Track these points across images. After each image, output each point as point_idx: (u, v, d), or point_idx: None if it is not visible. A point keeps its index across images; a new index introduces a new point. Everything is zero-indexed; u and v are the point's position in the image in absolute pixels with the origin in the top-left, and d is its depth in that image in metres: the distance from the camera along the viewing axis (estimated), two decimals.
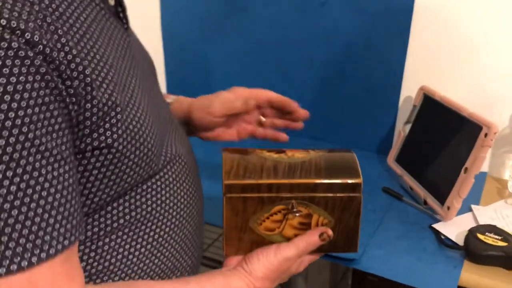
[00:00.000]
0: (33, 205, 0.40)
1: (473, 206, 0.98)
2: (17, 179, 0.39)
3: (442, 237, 0.89)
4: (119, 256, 0.55)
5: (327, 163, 0.63)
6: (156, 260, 0.58)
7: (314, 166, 0.62)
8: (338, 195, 0.61)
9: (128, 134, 0.50)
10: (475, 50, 1.07)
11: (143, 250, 0.56)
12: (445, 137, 0.99)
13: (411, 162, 1.08)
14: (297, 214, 0.61)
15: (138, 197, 0.56)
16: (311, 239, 0.63)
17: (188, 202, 0.62)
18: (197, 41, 1.40)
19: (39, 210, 0.40)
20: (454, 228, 0.91)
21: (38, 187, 0.40)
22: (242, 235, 0.63)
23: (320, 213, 0.62)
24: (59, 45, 0.42)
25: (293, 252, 0.62)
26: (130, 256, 0.55)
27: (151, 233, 0.57)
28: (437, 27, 1.09)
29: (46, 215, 0.41)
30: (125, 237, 0.55)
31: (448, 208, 0.91)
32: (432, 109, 1.05)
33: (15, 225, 0.39)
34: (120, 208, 0.54)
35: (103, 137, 0.48)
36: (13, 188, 0.39)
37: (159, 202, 0.58)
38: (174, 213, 0.60)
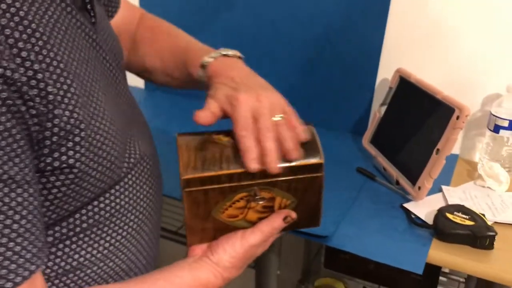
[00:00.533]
0: None
1: (443, 187, 1.00)
2: None
3: (413, 216, 0.91)
4: (81, 259, 0.55)
5: None
6: (111, 264, 0.58)
7: None
8: (300, 176, 0.59)
9: (91, 151, 0.49)
10: (452, 34, 1.09)
11: (99, 255, 0.56)
12: (419, 119, 1.01)
13: (385, 143, 1.10)
14: (260, 202, 0.60)
15: (96, 206, 0.55)
16: (275, 223, 0.62)
17: (148, 204, 0.62)
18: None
19: (4, 240, 0.40)
20: (425, 207, 0.93)
21: (1, 216, 0.40)
22: (205, 224, 0.61)
23: (283, 195, 0.61)
24: (20, 62, 0.41)
25: (258, 238, 0.61)
26: (89, 259, 0.55)
27: (108, 238, 0.57)
28: (416, 10, 1.10)
29: (11, 244, 0.41)
30: (84, 241, 0.55)
31: (419, 188, 0.93)
32: (408, 92, 1.06)
33: None
34: (79, 216, 0.53)
35: (64, 157, 0.47)
36: None
37: (118, 207, 0.57)
38: (132, 216, 0.59)
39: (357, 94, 1.23)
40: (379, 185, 1.03)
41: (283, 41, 1.27)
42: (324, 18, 1.19)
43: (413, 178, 0.96)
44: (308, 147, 0.60)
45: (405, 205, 0.94)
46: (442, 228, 0.84)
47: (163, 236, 1.14)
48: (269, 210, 0.62)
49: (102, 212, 0.56)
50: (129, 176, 0.59)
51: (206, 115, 0.57)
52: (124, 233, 0.59)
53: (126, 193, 0.58)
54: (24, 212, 0.42)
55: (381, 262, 0.80)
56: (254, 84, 0.62)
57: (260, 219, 0.62)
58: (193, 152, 0.58)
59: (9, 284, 0.40)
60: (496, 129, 1.02)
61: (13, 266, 0.40)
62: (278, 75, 1.29)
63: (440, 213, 0.86)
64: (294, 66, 1.28)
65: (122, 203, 0.58)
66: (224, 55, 0.68)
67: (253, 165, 0.55)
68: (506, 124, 1.00)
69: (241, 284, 1.56)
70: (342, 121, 1.28)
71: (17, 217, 0.41)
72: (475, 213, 0.86)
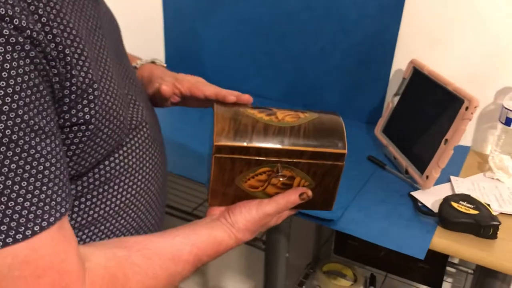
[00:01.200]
0: (32, 179, 0.44)
1: (452, 177, 1.02)
2: (16, 158, 0.43)
3: (419, 204, 0.93)
4: (95, 215, 0.59)
5: (315, 130, 0.64)
6: (122, 221, 0.62)
7: (302, 132, 0.63)
8: (322, 162, 0.63)
9: (103, 109, 0.53)
10: (466, 27, 1.10)
11: (111, 211, 0.61)
12: (430, 110, 1.03)
13: (396, 133, 1.11)
14: (281, 179, 0.64)
15: (107, 165, 0.59)
16: (291, 197, 0.66)
17: (153, 166, 0.66)
18: (193, 12, 1.42)
19: (38, 184, 0.44)
20: (431, 196, 0.95)
21: (35, 163, 0.44)
22: (227, 190, 0.65)
23: (303, 176, 0.65)
24: (41, 26, 0.45)
25: (274, 208, 0.66)
26: (102, 215, 0.60)
27: (118, 196, 0.61)
28: (431, 1, 1.11)
29: (44, 188, 0.45)
30: (98, 198, 0.59)
31: (427, 177, 0.95)
32: (420, 83, 1.08)
33: (17, 198, 0.43)
34: (92, 174, 0.58)
35: (81, 113, 0.51)
36: (13, 166, 0.42)
37: (126, 167, 0.61)
38: (140, 176, 0.63)
39: (372, 84, 1.25)
40: (389, 174, 1.05)
41: (298, 31, 1.29)
42: (339, 9, 1.21)
43: (422, 168, 0.98)
44: (335, 137, 0.63)
45: (413, 193, 0.96)
46: (446, 216, 0.86)
47: (179, 217, 1.18)
48: (287, 188, 0.66)
49: (113, 171, 0.60)
50: (135, 138, 0.62)
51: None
52: (133, 192, 0.63)
53: (134, 154, 0.62)
54: (54, 160, 0.46)
55: (384, 246, 0.83)
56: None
57: (278, 193, 0.66)
58: (228, 121, 0.62)
59: (44, 223, 0.44)
60: (508, 121, 1.03)
61: (46, 207, 0.45)
62: (292, 63, 1.32)
63: (446, 202, 0.88)
64: (308, 56, 1.30)
65: (130, 163, 0.62)
66: (152, 62, 0.84)
67: None
68: None
69: (251, 265, 1.61)
70: (355, 110, 1.30)
71: (48, 164, 0.45)
72: (480, 202, 0.88)
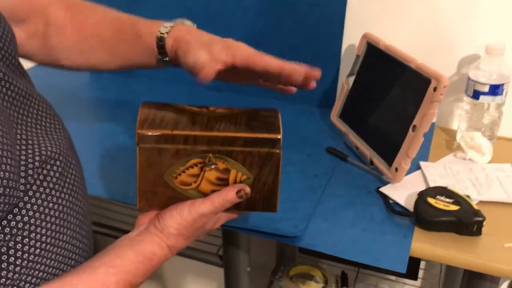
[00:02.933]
0: None
1: (421, 163, 0.91)
2: None
3: (391, 201, 0.82)
4: (18, 268, 0.49)
5: (248, 118, 0.61)
6: (44, 266, 0.52)
7: (234, 120, 0.60)
8: (256, 150, 0.58)
9: None
10: None
11: (30, 264, 0.50)
12: (391, 91, 0.91)
13: (355, 118, 0.99)
14: (213, 167, 0.59)
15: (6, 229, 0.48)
16: (228, 195, 0.59)
17: (68, 207, 0.55)
18: None
19: None
20: (403, 190, 0.84)
21: None
22: (157, 189, 0.60)
23: (239, 169, 0.59)
24: None
25: (209, 208, 0.58)
26: (26, 265, 0.50)
27: (31, 249, 0.50)
28: None
29: None
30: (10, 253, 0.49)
31: (396, 169, 0.84)
32: (377, 60, 0.95)
33: None
34: None
35: None
36: None
37: (32, 222, 0.50)
38: (53, 226, 0.52)
39: (321, 63, 1.09)
40: (352, 166, 0.93)
41: (233, 9, 1.13)
42: None
43: (389, 158, 0.87)
44: (269, 124, 0.60)
45: (382, 189, 0.85)
46: (425, 216, 0.75)
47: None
48: (224, 184, 0.60)
49: (8, 236, 0.48)
50: (35, 192, 0.50)
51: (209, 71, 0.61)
52: (48, 240, 0.52)
53: (34, 212, 0.50)
54: None
55: (358, 262, 0.71)
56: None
57: (214, 192, 0.60)
58: (153, 111, 0.59)
59: None
60: (476, 95, 0.92)
61: None
62: None
63: (421, 198, 0.77)
64: (248, 36, 1.14)
65: (37, 215, 0.51)
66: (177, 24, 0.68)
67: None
68: (486, 89, 0.91)
69: (210, 284, 1.47)
70: (305, 93, 1.14)
71: None
72: (458, 195, 0.77)
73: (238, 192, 0.59)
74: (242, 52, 0.65)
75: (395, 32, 1.01)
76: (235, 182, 0.60)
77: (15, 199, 0.47)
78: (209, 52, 0.63)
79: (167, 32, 0.67)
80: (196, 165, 0.59)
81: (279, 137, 0.58)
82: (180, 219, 0.58)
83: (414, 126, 0.81)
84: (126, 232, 1.01)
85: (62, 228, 0.54)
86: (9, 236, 0.48)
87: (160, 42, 0.67)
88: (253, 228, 0.78)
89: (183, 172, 0.59)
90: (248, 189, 0.59)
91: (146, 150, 0.57)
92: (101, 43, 0.71)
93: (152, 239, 0.58)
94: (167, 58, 0.69)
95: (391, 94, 0.90)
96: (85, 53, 0.72)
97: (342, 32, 1.06)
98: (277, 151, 0.58)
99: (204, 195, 0.60)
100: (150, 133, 0.57)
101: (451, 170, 0.90)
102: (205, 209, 0.58)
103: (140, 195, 0.60)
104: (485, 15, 0.95)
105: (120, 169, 0.92)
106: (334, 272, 1.14)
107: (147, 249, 0.57)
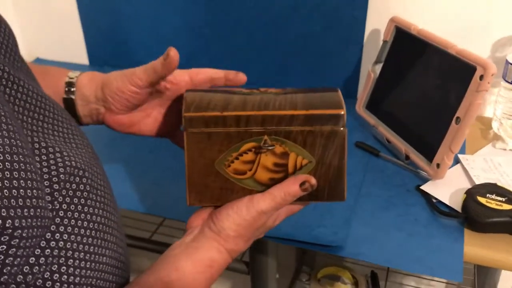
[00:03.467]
0: None
1: (460, 156, 0.85)
2: None
3: (434, 200, 0.76)
4: None
5: (305, 96, 0.54)
6: None
7: (290, 99, 0.53)
8: (318, 128, 0.52)
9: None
10: None
11: None
12: (427, 79, 0.84)
13: (385, 109, 0.92)
14: (269, 148, 0.52)
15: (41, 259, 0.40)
16: (291, 189, 0.51)
17: (104, 223, 0.48)
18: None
19: None
20: (445, 187, 0.78)
21: None
22: (208, 179, 0.53)
23: (298, 152, 0.53)
24: None
25: (269, 204, 0.51)
26: None
27: (71, 278, 0.43)
28: None
29: None
30: None
31: (438, 165, 0.78)
32: (408, 46, 0.88)
33: None
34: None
35: None
36: None
37: (68, 247, 0.43)
38: (91, 248, 0.46)
39: (343, 50, 1.04)
40: (385, 162, 0.87)
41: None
42: None
43: (428, 153, 0.80)
44: (328, 101, 0.53)
45: (423, 187, 0.78)
46: (476, 217, 0.69)
47: (136, 246, 0.96)
48: (282, 170, 0.53)
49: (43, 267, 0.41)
50: (60, 212, 0.43)
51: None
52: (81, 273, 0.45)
53: (65, 236, 0.43)
54: None
55: (411, 272, 0.65)
56: None
57: (272, 180, 0.53)
58: (199, 94, 0.55)
59: None
60: None
61: None
62: (244, 34, 1.09)
63: (470, 197, 0.71)
64: (262, 23, 1.07)
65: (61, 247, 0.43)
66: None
67: None
68: None
69: None
70: (326, 82, 1.09)
71: None
72: (511, 192, 0.71)
73: (302, 184, 0.51)
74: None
75: (422, 16, 0.93)
76: (295, 167, 0.53)
77: (46, 220, 0.40)
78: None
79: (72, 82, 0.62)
80: (250, 150, 0.53)
81: (342, 112, 0.51)
82: (238, 219, 0.51)
83: (458, 118, 0.75)
84: (152, 242, 0.95)
85: (100, 249, 0.47)
86: (44, 266, 0.41)
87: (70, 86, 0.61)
88: (287, 238, 0.71)
89: (236, 158, 0.53)
90: (313, 181, 0.52)
91: (195, 135, 0.52)
92: None
93: (210, 244, 0.51)
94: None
95: (427, 83, 0.84)
96: None
97: (365, 16, 0.98)
98: (341, 128, 0.52)
99: (261, 184, 0.54)
100: (198, 115, 0.51)
101: (492, 162, 0.83)
102: (265, 206, 0.51)
103: (190, 188, 0.54)
104: None
105: (134, 177, 0.86)
106: (363, 272, 1.08)
107: (206, 257, 0.51)
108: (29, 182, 0.38)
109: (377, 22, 0.99)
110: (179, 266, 0.49)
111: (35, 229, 0.38)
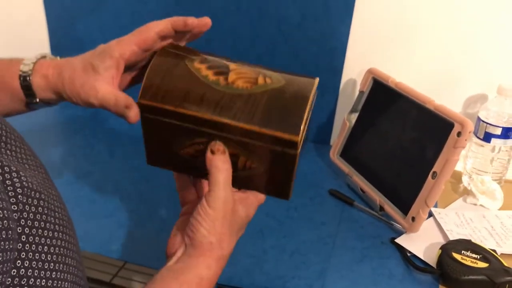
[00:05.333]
0: None
1: (433, 210, 0.85)
2: None
3: (409, 254, 0.75)
4: None
5: (267, 104, 0.50)
6: None
7: (251, 104, 0.49)
8: (269, 146, 0.50)
9: None
10: (423, 28, 0.93)
11: None
12: (403, 132, 0.85)
13: (360, 159, 0.92)
14: (220, 148, 0.51)
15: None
16: (211, 161, 0.51)
17: (64, 247, 0.45)
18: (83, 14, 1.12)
19: None
20: (419, 241, 0.77)
21: None
22: (163, 153, 0.56)
23: (248, 157, 0.52)
24: None
25: (216, 186, 0.50)
26: None
27: None
28: (383, 3, 0.93)
29: None
30: None
31: (413, 219, 0.77)
32: (385, 98, 0.89)
33: None
34: None
35: None
36: None
37: (36, 275, 0.41)
38: (54, 273, 0.43)
39: (319, 96, 1.04)
40: (359, 211, 0.86)
41: (226, 36, 1.05)
42: (278, 9, 0.99)
43: (403, 205, 0.80)
44: (289, 114, 0.49)
45: (398, 240, 0.78)
46: (452, 274, 0.69)
47: None
48: (232, 167, 0.51)
49: None
50: (24, 235, 0.40)
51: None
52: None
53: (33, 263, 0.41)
54: None
55: None
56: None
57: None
58: (161, 75, 0.52)
59: None
60: (487, 137, 0.88)
61: None
62: None
63: (446, 253, 0.71)
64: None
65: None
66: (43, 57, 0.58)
67: None
68: (498, 132, 0.86)
69: None
70: None
71: None
72: (485, 250, 0.71)
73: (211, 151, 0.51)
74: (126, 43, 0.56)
75: (397, 69, 0.95)
76: (244, 167, 0.52)
77: (16, 243, 0.38)
78: (101, 71, 0.55)
79: (30, 70, 0.57)
80: (202, 143, 0.52)
81: (296, 139, 0.48)
82: (207, 219, 0.50)
83: (435, 172, 0.75)
84: (113, 286, 0.90)
85: (62, 274, 0.44)
86: None
87: (25, 82, 0.57)
88: None
89: (190, 146, 0.53)
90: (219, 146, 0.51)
91: (150, 120, 0.52)
92: None
93: (197, 262, 0.50)
94: (37, 100, 0.59)
95: (403, 135, 0.84)
96: None
97: (342, 66, 1.00)
98: (293, 152, 0.49)
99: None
100: (153, 104, 0.51)
101: (464, 217, 0.84)
102: (220, 190, 0.50)
103: (148, 154, 0.57)
104: (490, 54, 0.92)
105: (99, 217, 0.81)
106: None
107: (193, 276, 0.49)
108: None
109: (353, 73, 1.00)
110: None
111: (8, 252, 0.36)
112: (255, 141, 0.50)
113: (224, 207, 0.50)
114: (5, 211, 0.36)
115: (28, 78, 0.57)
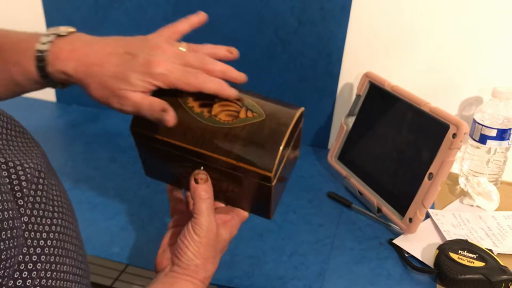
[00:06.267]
0: None
1: (430, 211, 0.86)
2: None
3: (406, 255, 0.76)
4: None
5: (246, 139, 0.52)
6: None
7: (230, 139, 0.53)
8: (246, 177, 0.53)
9: None
10: (421, 31, 0.94)
11: None
12: (399, 134, 0.86)
13: (357, 161, 0.94)
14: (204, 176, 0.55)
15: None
16: (194, 190, 0.54)
17: (62, 232, 0.48)
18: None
19: None
20: (417, 242, 0.78)
21: None
22: (158, 169, 0.63)
23: (230, 183, 0.56)
24: None
25: (200, 215, 0.53)
26: None
27: None
28: (380, 6, 0.95)
29: None
30: None
31: (410, 220, 0.78)
32: (381, 101, 0.91)
33: None
34: None
35: None
36: None
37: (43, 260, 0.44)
38: (53, 258, 0.46)
39: (316, 101, 1.06)
40: (357, 213, 0.87)
41: (223, 42, 1.06)
42: (275, 16, 1.00)
43: (400, 207, 0.81)
44: (266, 149, 0.52)
45: (395, 241, 0.79)
46: (449, 273, 0.69)
47: None
48: (217, 187, 0.56)
49: None
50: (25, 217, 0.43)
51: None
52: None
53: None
54: None
55: None
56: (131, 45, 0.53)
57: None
58: None
59: None
60: (483, 139, 0.89)
61: None
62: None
63: (443, 253, 0.72)
64: (239, 69, 1.08)
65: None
66: (59, 35, 0.53)
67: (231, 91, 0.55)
68: (494, 133, 0.88)
69: None
70: None
71: None
72: (482, 249, 0.72)
73: (195, 180, 0.54)
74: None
75: (393, 72, 0.97)
76: (227, 190, 0.57)
77: (21, 239, 0.40)
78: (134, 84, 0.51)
79: (47, 50, 0.52)
80: (190, 167, 0.55)
81: (269, 175, 0.51)
82: (194, 244, 0.53)
83: (431, 173, 0.76)
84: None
85: (61, 258, 0.47)
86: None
87: (41, 63, 0.52)
88: None
89: (179, 167, 0.57)
90: (201, 175, 0.54)
91: (141, 143, 0.58)
92: None
93: (185, 281, 0.53)
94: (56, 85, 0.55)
95: (399, 137, 0.86)
96: None
97: (339, 70, 1.01)
98: (268, 184, 0.53)
99: None
100: (142, 132, 0.56)
101: (461, 218, 0.85)
102: (203, 218, 0.53)
103: (144, 168, 0.63)
104: (484, 56, 0.93)
105: (101, 221, 0.82)
106: None
107: None
108: (5, 203, 0.37)
109: (350, 77, 1.01)
110: None
111: (13, 250, 0.38)
112: (234, 172, 0.53)
113: (207, 234, 0.54)
114: (10, 212, 0.38)
115: (45, 69, 0.52)
